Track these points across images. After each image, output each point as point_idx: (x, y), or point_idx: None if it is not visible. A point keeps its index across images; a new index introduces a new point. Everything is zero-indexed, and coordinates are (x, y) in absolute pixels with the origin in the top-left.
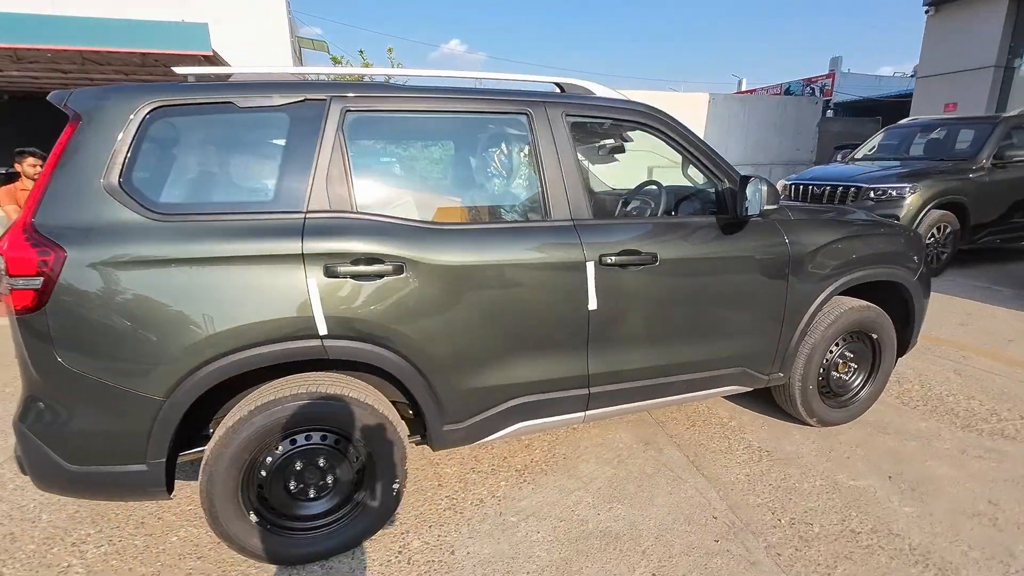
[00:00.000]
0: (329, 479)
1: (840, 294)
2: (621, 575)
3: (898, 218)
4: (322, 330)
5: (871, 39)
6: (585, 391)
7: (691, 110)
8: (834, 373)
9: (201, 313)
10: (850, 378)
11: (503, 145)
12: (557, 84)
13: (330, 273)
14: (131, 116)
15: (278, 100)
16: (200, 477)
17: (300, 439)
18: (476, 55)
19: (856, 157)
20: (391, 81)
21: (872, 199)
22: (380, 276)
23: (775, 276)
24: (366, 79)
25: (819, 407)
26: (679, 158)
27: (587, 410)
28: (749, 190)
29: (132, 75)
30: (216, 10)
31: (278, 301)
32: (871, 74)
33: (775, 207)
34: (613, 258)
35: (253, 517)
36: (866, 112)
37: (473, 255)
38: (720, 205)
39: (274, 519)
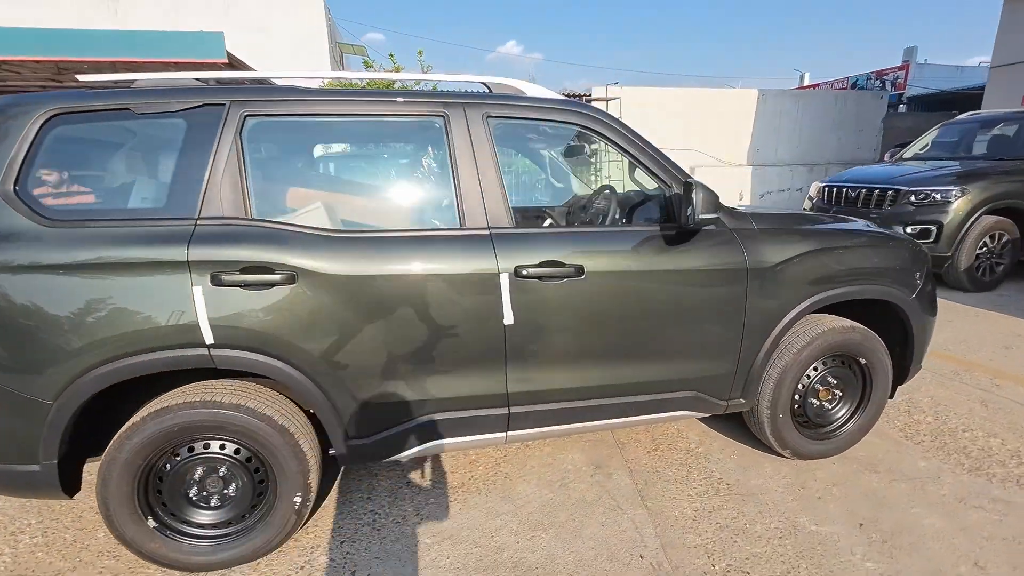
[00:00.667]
0: (230, 489)
1: (823, 312)
2: None
3: (942, 225)
4: (208, 339)
5: (956, 26)
6: (505, 410)
7: (738, 108)
8: (813, 400)
9: (88, 319)
10: (833, 407)
11: (419, 149)
12: (485, 84)
13: (217, 281)
14: (28, 124)
15: (176, 106)
16: (96, 480)
17: (198, 447)
18: (532, 55)
19: (904, 156)
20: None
21: (912, 203)
22: (270, 285)
23: (731, 292)
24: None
25: (793, 438)
26: (724, 156)
27: (509, 431)
28: (695, 197)
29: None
30: (262, 20)
31: (163, 309)
32: (951, 64)
33: (711, 216)
34: (530, 270)
35: (151, 522)
36: (943, 106)
37: (375, 265)
38: (668, 214)
39: (174, 525)
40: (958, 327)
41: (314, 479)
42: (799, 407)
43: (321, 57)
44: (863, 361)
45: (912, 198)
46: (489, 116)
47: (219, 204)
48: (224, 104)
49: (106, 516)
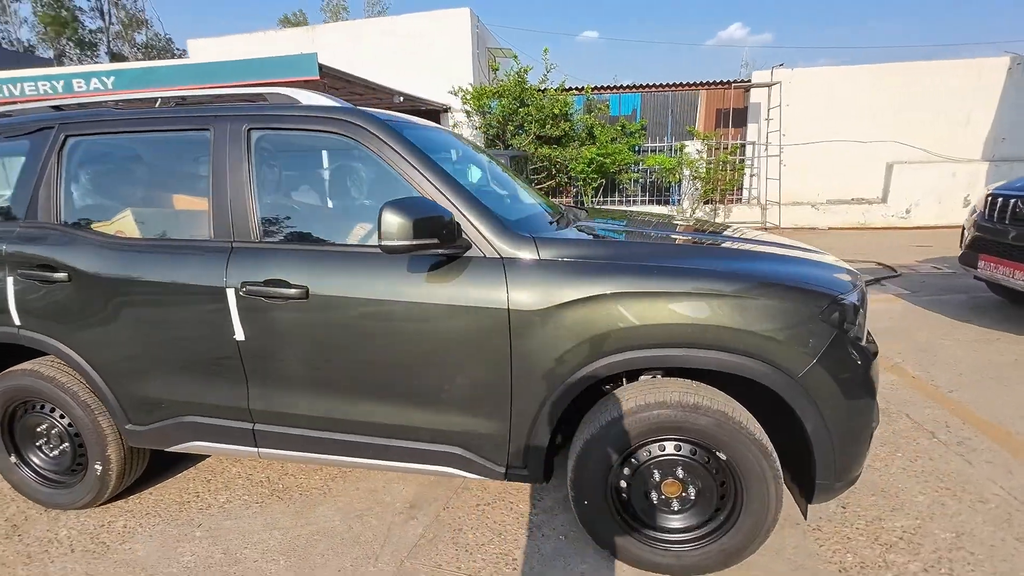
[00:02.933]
0: (54, 450)
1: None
2: None
3: None
4: (17, 321)
5: None
6: (250, 426)
7: (964, 85)
8: (652, 494)
9: None
10: (680, 511)
11: (197, 162)
12: (263, 95)
13: (21, 275)
14: None
15: (25, 128)
16: None
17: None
18: (760, 36)
19: None
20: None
21: None
22: (54, 281)
23: (488, 337)
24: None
25: (612, 535)
26: (938, 148)
27: (257, 447)
28: (382, 219)
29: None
30: (421, 33)
31: None
32: None
33: (406, 244)
34: (254, 288)
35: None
36: None
37: (127, 270)
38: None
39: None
40: None
41: (113, 453)
42: (622, 500)
43: (464, 63)
44: (723, 456)
45: None
46: (251, 129)
47: (39, 211)
48: (53, 127)
49: None
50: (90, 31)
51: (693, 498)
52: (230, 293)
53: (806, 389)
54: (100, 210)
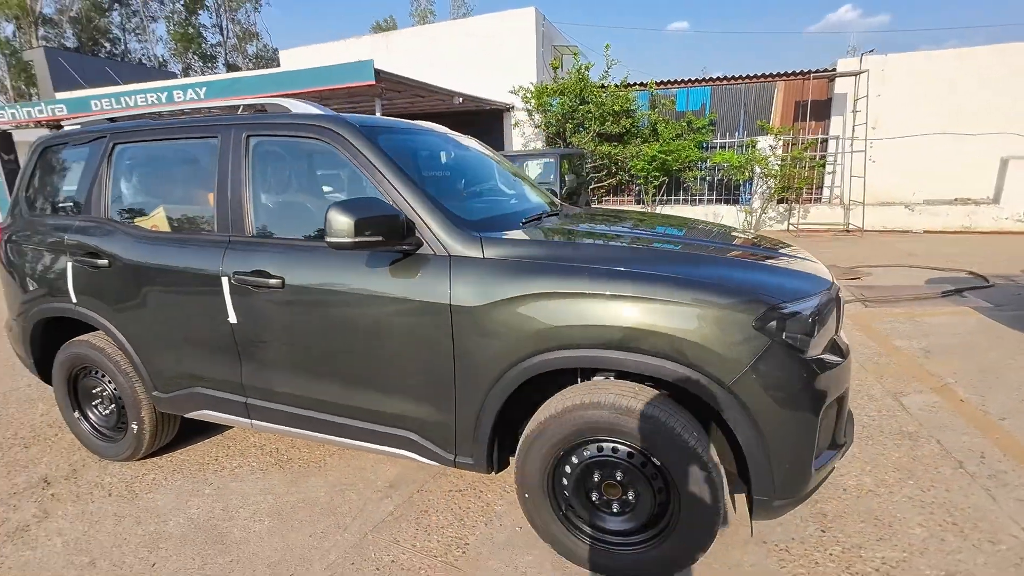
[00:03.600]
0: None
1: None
2: None
3: None
4: (73, 299)
5: None
6: (243, 399)
7: None
8: (594, 494)
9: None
10: (616, 514)
11: (211, 165)
12: (263, 105)
13: (75, 260)
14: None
15: (85, 138)
16: None
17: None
18: (874, 18)
19: None
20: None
21: None
22: (98, 267)
23: (434, 329)
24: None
25: (553, 531)
26: None
27: (251, 419)
28: (330, 215)
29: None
30: (484, 26)
31: (57, 276)
32: None
33: (348, 240)
34: (243, 277)
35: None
36: None
37: (149, 259)
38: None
39: None
40: None
41: (146, 415)
42: (565, 494)
43: (528, 62)
44: (657, 462)
45: None
46: (250, 136)
47: (91, 206)
48: (106, 136)
49: None
50: (211, 45)
51: (632, 501)
52: (224, 281)
53: (737, 399)
54: (138, 206)
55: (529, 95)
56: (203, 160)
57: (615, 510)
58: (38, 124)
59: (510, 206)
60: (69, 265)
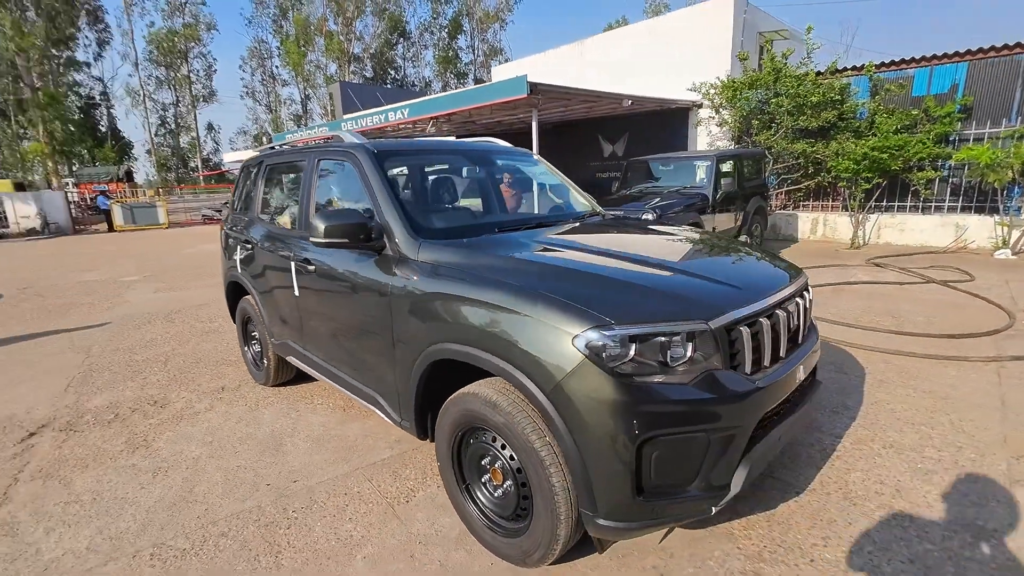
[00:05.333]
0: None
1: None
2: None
3: None
4: (239, 270)
5: None
6: (302, 348)
7: None
8: (483, 476)
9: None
10: (495, 499)
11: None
12: (336, 136)
13: (241, 243)
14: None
15: (253, 160)
16: None
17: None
18: None
19: None
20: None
21: None
22: (247, 248)
23: (382, 313)
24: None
25: (459, 499)
26: None
27: (304, 364)
28: (313, 221)
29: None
30: (676, 23)
31: (233, 254)
32: None
33: (322, 241)
34: (299, 264)
35: None
36: None
37: (266, 246)
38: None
39: None
40: None
41: (271, 355)
42: (464, 470)
43: (723, 56)
44: (514, 457)
45: None
46: (319, 159)
47: (251, 208)
48: (262, 160)
49: None
50: (464, 64)
51: (506, 490)
52: (292, 265)
53: (555, 406)
54: (273, 209)
55: (714, 90)
56: (301, 177)
57: (496, 495)
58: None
59: (495, 217)
60: (238, 247)
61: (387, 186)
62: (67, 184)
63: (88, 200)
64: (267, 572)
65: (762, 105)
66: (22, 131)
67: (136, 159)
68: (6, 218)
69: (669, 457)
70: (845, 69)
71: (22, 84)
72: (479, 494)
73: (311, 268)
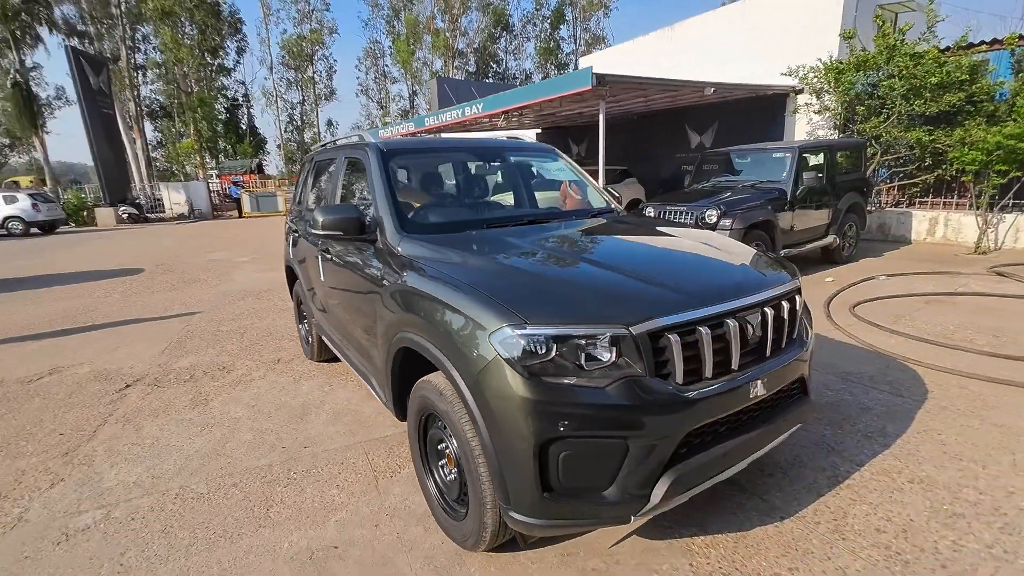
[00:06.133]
0: None
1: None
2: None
3: None
4: (291, 255)
5: None
6: (327, 329)
7: None
8: (441, 458)
9: None
10: (447, 482)
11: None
12: (359, 136)
13: (290, 232)
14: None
15: (306, 158)
16: None
17: None
18: None
19: None
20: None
21: None
22: (294, 236)
23: (371, 298)
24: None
25: (421, 472)
26: None
27: (331, 344)
28: (314, 214)
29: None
30: (773, 3)
31: (289, 241)
32: None
33: (320, 233)
34: (323, 252)
35: None
36: None
37: (304, 234)
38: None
39: None
40: None
41: (314, 331)
42: (427, 451)
43: (828, 33)
44: (456, 445)
45: None
46: (347, 157)
47: (301, 200)
48: (312, 158)
49: None
50: (565, 54)
51: (455, 474)
52: (320, 254)
53: (475, 400)
54: (312, 200)
55: (815, 74)
56: (332, 172)
57: (449, 479)
58: (405, 135)
59: (489, 214)
60: (291, 236)
61: (386, 182)
62: (211, 175)
63: (223, 190)
64: (255, 521)
65: (871, 89)
66: (182, 130)
67: (268, 153)
68: (163, 205)
69: (579, 459)
70: (980, 43)
71: (181, 89)
72: (437, 476)
73: (329, 256)
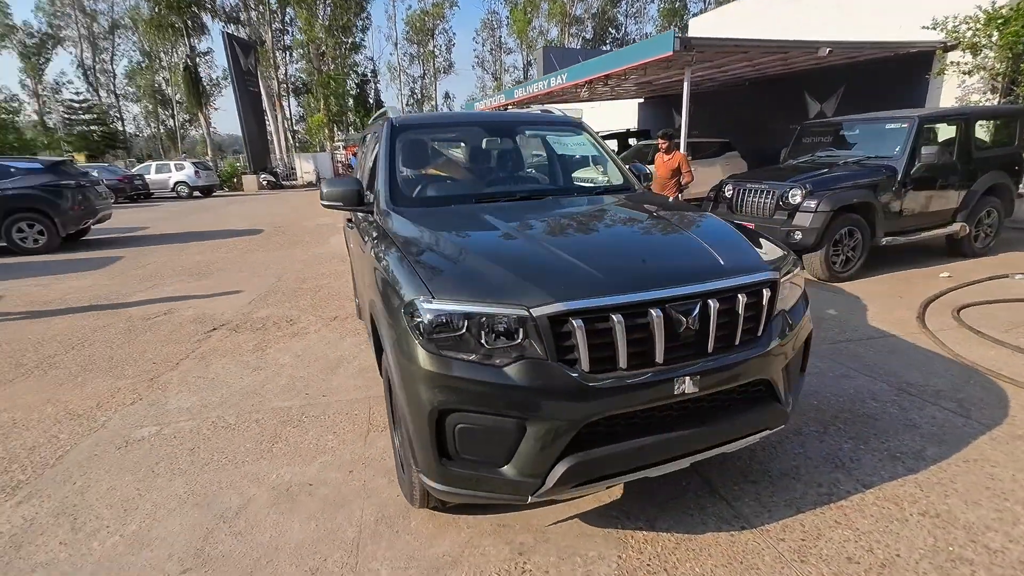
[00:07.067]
0: None
1: None
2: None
3: None
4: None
5: None
6: (355, 297)
7: None
8: None
9: None
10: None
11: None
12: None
13: None
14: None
15: (368, 130)
16: None
17: None
18: None
19: None
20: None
21: None
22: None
23: (366, 258)
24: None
25: (394, 438)
26: None
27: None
28: (321, 187)
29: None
30: None
31: None
32: None
33: (326, 204)
34: (346, 222)
35: None
36: None
37: None
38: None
39: None
40: None
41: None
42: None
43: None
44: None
45: None
46: (375, 132)
47: (359, 172)
48: (364, 133)
49: None
50: (692, 15)
51: None
52: (345, 224)
53: (392, 364)
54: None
55: (968, 26)
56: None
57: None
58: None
59: (483, 188)
60: None
61: (389, 156)
62: (337, 147)
63: (346, 159)
64: (259, 453)
65: None
66: (315, 104)
67: None
68: (296, 173)
69: (475, 433)
70: None
71: (315, 68)
72: (399, 434)
73: (351, 225)
